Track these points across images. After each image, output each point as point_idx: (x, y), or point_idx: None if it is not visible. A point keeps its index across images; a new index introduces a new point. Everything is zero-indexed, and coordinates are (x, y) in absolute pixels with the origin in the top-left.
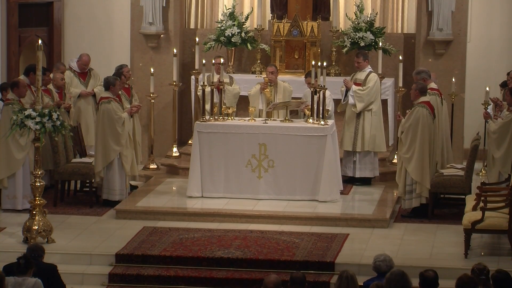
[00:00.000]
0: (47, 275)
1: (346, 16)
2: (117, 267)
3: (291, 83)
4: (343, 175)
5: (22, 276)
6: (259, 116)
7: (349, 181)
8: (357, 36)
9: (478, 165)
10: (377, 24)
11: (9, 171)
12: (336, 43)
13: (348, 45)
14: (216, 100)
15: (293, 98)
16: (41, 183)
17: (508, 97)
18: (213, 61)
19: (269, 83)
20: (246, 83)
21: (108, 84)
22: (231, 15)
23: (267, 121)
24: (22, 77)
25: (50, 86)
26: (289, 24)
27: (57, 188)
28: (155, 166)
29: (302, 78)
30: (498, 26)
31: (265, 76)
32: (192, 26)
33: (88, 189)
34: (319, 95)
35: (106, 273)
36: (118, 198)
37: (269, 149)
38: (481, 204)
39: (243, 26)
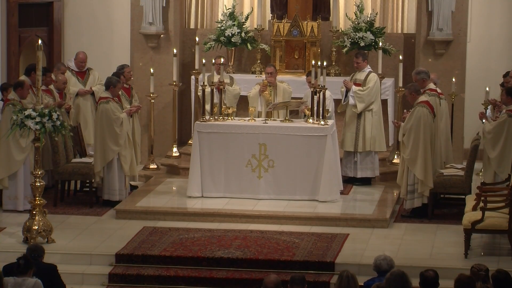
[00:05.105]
0: (47, 275)
1: (346, 16)
2: (117, 267)
3: (291, 83)
4: (343, 175)
5: (22, 276)
6: (258, 117)
7: (349, 181)
8: (357, 36)
9: (478, 165)
10: (377, 24)
11: (8, 171)
12: (336, 43)
13: (348, 45)
14: (216, 100)
15: (293, 98)
16: (41, 183)
17: (504, 97)
18: (214, 61)
19: (268, 84)
20: (246, 83)
21: (109, 84)
22: (231, 15)
23: (267, 121)
24: (23, 77)
25: (52, 87)
26: (289, 24)
27: (57, 188)
28: (155, 166)
29: (302, 78)
30: (498, 26)
31: (264, 78)
32: (192, 26)
33: (88, 189)
34: (319, 95)
35: (106, 273)
36: (118, 198)
37: (269, 149)
38: (481, 204)
39: (243, 26)
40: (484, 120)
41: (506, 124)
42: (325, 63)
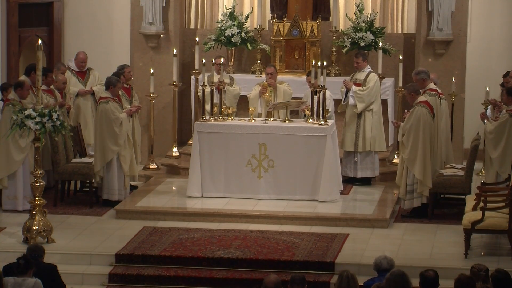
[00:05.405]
0: (47, 275)
1: (346, 16)
2: (117, 267)
3: (291, 83)
4: (343, 175)
5: (22, 276)
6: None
7: (349, 181)
8: (357, 36)
9: (478, 165)
10: (377, 24)
11: (7, 171)
12: (336, 43)
13: (348, 45)
14: (216, 100)
15: (293, 98)
16: (41, 183)
17: (504, 97)
18: (214, 61)
19: (268, 86)
20: (246, 83)
21: (109, 84)
22: (231, 15)
23: (267, 121)
24: (23, 77)
25: (53, 87)
26: (289, 24)
27: (57, 188)
28: (155, 166)
29: (302, 78)
30: (498, 26)
31: (264, 80)
32: (192, 26)
33: (88, 189)
34: (319, 95)
35: (106, 273)
36: (117, 198)
37: (269, 149)
38: (481, 204)
39: (243, 26)
40: (485, 121)
41: (507, 124)
42: (325, 63)
